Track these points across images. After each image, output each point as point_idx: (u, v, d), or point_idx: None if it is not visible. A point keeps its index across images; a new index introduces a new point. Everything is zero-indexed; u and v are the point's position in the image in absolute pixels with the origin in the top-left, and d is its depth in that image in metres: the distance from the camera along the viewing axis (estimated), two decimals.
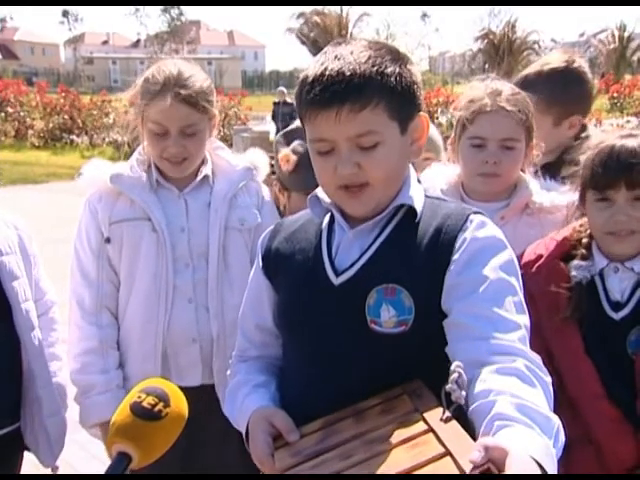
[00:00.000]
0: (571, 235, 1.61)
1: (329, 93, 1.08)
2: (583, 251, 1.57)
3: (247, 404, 1.23)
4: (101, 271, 1.83)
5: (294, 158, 1.86)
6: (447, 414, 0.95)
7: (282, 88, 17.42)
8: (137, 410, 0.92)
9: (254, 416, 1.19)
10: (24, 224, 1.85)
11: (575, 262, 1.56)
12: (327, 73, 1.09)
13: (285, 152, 1.89)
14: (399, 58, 1.15)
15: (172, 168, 1.82)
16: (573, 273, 1.54)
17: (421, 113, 1.19)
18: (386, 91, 1.10)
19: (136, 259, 1.81)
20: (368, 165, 1.12)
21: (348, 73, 1.08)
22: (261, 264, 1.33)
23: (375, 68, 1.10)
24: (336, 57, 1.11)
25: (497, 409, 0.90)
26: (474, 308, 1.06)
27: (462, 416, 0.96)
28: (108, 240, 1.82)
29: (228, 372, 1.42)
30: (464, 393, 0.94)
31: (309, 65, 1.15)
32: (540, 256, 1.61)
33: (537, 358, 1.03)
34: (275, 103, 16.79)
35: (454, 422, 0.95)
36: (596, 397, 1.47)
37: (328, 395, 1.13)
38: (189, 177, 1.87)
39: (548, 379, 1.01)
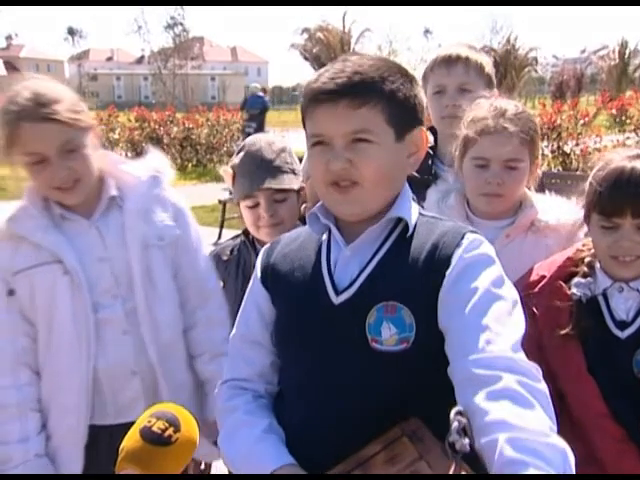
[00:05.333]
0: (574, 255, 1.61)
1: (330, 86, 1.13)
2: (585, 269, 1.56)
3: (260, 454, 1.15)
4: (13, 326, 1.66)
5: (230, 171, 1.92)
6: (454, 467, 0.92)
7: None
8: (147, 435, 0.90)
9: (279, 472, 1.11)
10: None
11: (575, 280, 1.55)
12: (331, 70, 1.16)
13: (225, 169, 1.95)
14: (406, 74, 1.19)
15: (65, 195, 1.64)
16: (573, 290, 1.54)
17: (421, 127, 1.21)
18: (385, 95, 1.14)
19: (51, 306, 1.64)
20: (359, 162, 1.14)
21: (351, 71, 1.14)
22: (259, 276, 1.31)
23: (378, 73, 1.15)
24: (343, 60, 1.18)
25: (501, 451, 0.89)
26: (464, 323, 1.06)
27: (471, 457, 0.94)
28: (11, 292, 1.65)
29: (221, 404, 1.30)
30: (467, 441, 0.91)
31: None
32: (543, 277, 1.60)
33: (531, 367, 1.02)
34: None
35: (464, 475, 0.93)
36: (600, 416, 1.45)
37: (329, 414, 1.13)
38: (93, 202, 1.70)
39: (542, 386, 1.00)
